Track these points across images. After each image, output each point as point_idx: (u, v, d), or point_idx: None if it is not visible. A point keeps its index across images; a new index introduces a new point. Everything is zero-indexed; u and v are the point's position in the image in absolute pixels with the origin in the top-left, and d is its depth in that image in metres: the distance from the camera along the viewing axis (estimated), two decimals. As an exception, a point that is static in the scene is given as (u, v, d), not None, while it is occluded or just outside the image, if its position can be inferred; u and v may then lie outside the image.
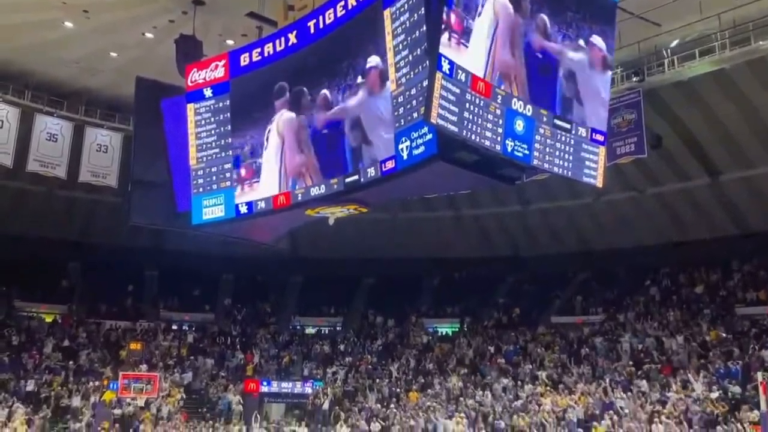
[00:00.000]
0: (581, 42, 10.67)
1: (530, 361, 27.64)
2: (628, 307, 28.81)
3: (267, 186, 13.05)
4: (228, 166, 13.72)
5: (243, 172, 13.51)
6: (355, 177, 11.28)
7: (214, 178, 13.91)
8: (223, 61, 14.10)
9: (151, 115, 14.82)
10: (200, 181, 14.09)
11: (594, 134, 10.81)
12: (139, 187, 14.87)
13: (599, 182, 10.93)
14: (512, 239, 33.27)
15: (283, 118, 12.81)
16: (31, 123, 24.51)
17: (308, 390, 29.83)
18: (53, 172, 24.98)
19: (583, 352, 26.79)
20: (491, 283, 34.29)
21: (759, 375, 17.01)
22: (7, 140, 23.73)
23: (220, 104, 13.97)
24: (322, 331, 35.56)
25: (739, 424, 18.07)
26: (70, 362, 28.60)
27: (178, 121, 14.51)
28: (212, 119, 14.06)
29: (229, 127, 13.78)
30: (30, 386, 26.09)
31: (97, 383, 26.82)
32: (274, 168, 12.98)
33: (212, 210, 13.86)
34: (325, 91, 11.98)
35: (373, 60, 10.96)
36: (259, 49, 13.38)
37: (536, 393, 24.72)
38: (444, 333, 33.79)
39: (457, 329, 33.59)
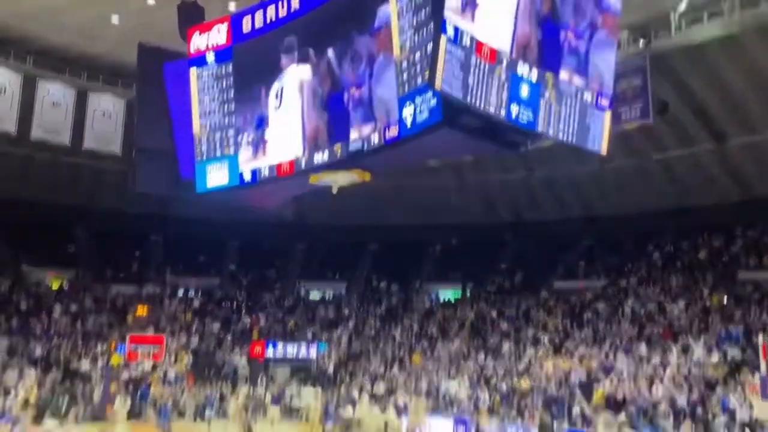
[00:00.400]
0: (589, 5, 10.56)
1: (532, 326, 27.91)
2: (631, 272, 28.97)
3: (271, 153, 13.06)
4: (231, 132, 13.72)
5: (247, 139, 13.51)
6: (359, 144, 11.29)
7: (217, 144, 13.92)
8: (225, 25, 13.99)
9: (154, 82, 14.77)
10: (204, 148, 14.10)
11: (600, 99, 10.77)
12: (143, 154, 14.90)
13: (604, 148, 10.92)
14: (516, 205, 33.30)
15: (287, 84, 12.77)
16: (34, 89, 24.39)
17: (313, 353, 30.25)
18: (57, 139, 24.95)
19: (585, 317, 27.02)
20: (494, 248, 34.44)
21: (760, 338, 17.16)
22: (10, 107, 23.65)
23: (223, 70, 13.91)
24: (327, 296, 35.88)
25: (739, 387, 18.30)
26: (78, 326, 28.99)
27: (180, 87, 14.47)
28: (215, 85, 14.02)
29: (232, 94, 13.75)
30: (39, 350, 26.50)
31: (104, 347, 27.23)
32: (277, 135, 12.98)
33: (216, 177, 13.91)
34: (328, 57, 11.92)
35: (377, 24, 10.87)
36: (261, 12, 13.25)
37: (538, 356, 25.05)
38: (446, 298, 34.09)
39: (459, 294, 33.86)
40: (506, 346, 26.82)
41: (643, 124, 21.27)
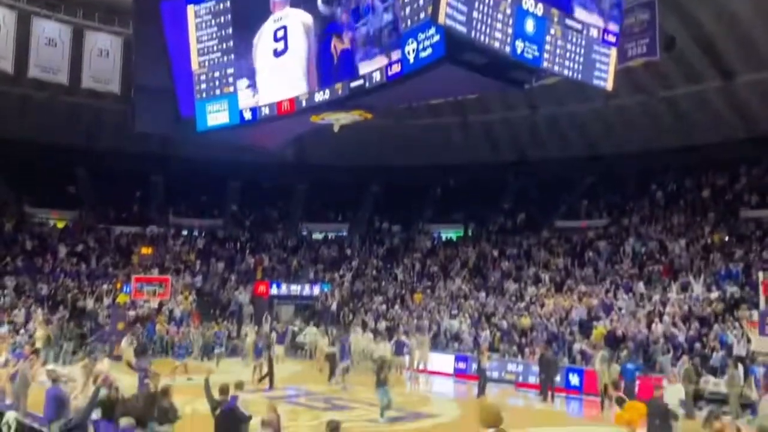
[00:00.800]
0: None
1: (534, 264, 28.13)
2: (633, 211, 28.99)
3: (271, 91, 12.87)
4: (231, 71, 13.47)
5: (246, 77, 13.29)
6: (360, 82, 11.09)
7: (217, 83, 13.70)
8: (222, -40, 13.57)
9: (151, 19, 14.40)
10: (203, 86, 13.88)
11: (606, 35, 10.52)
12: (142, 92, 14.69)
13: (609, 85, 10.73)
14: (519, 144, 33.06)
15: (286, 21, 12.48)
16: (29, 27, 23.89)
17: (316, 292, 30.66)
18: (55, 78, 24.60)
19: (587, 256, 27.20)
20: (497, 188, 34.40)
21: (760, 275, 17.29)
22: (5, 45, 23.23)
23: (221, 6, 13.56)
24: (329, 237, 36.09)
25: (737, 323, 18.57)
26: (83, 266, 29.31)
27: (178, 25, 14.13)
28: (213, 22, 13.69)
29: (231, 30, 13.44)
30: (45, 289, 26.87)
31: (110, 286, 27.59)
32: (277, 73, 12.76)
33: (216, 116, 13.73)
34: (329, -7, 11.61)
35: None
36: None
37: (539, 295, 25.35)
38: (448, 238, 34.26)
39: (461, 234, 34.02)
40: (507, 285, 27.10)
41: (650, 60, 20.86)
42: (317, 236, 36.25)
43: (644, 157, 29.15)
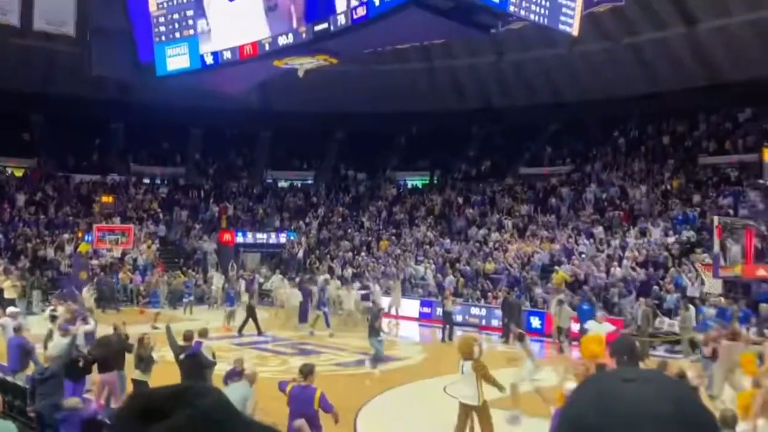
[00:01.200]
0: None
1: (498, 211, 28.47)
2: (596, 157, 29.37)
3: (233, 35, 12.54)
4: (190, 13, 13.04)
5: (206, 19, 12.90)
6: (325, 25, 10.87)
7: (176, 25, 13.26)
8: None
9: (105, -44, 13.83)
10: (162, 29, 13.44)
11: (572, -21, 10.44)
12: (98, 35, 14.16)
13: (575, 30, 10.72)
14: (485, 91, 32.99)
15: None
16: (-27, -36, 22.72)
17: (283, 240, 30.64)
18: (4, 19, 23.53)
19: (550, 202, 27.61)
20: (462, 136, 34.42)
21: (715, 219, 17.80)
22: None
23: (179, -57, 13.04)
24: (295, 185, 35.89)
25: (692, 266, 19.19)
26: (42, 216, 28.72)
27: (134, -37, 13.59)
28: (170, -40, 13.18)
29: (190, -30, 12.96)
30: (3, 239, 26.33)
31: (71, 235, 27.14)
32: (237, 15, 12.41)
33: (176, 60, 13.35)
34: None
35: None
36: None
37: (503, 240, 25.74)
38: (414, 185, 34.38)
39: (426, 182, 34.16)
40: (472, 231, 27.44)
41: (615, 6, 20.80)
42: (283, 184, 36.02)
43: (607, 104, 29.38)
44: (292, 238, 30.61)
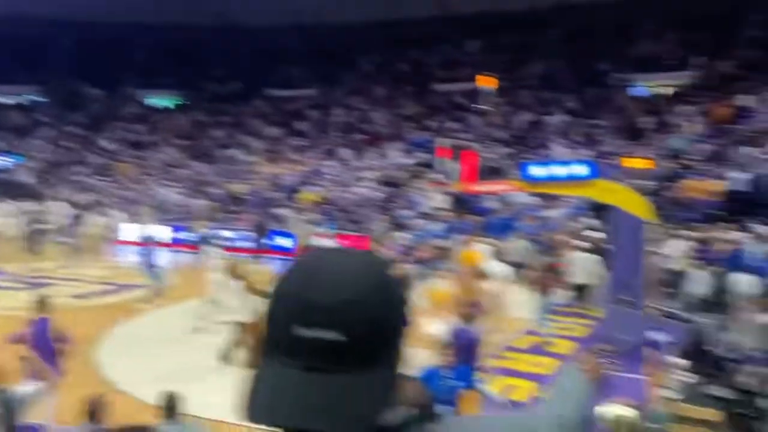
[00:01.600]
0: None
1: (247, 133, 28.34)
2: (342, 82, 30.38)
3: None
4: None
5: None
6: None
7: None
8: None
9: None
10: None
11: None
12: None
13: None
14: (229, 9, 31.79)
15: None
16: None
17: (8, 164, 27.37)
18: None
19: (298, 125, 28.15)
20: (208, 54, 33.14)
21: (440, 141, 19.58)
22: None
23: None
24: (18, 101, 31.86)
25: (424, 184, 21.16)
26: None
27: None
28: None
29: None
30: None
31: None
32: None
33: None
34: None
35: None
36: None
37: (253, 163, 25.83)
38: (159, 105, 32.60)
39: (172, 101, 32.59)
40: (221, 153, 27.06)
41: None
42: (4, 100, 31.77)
43: (353, 30, 30.26)
44: (18, 161, 27.45)
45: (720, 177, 17.26)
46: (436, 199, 19.11)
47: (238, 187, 23.88)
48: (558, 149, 21.12)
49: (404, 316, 0.93)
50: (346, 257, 0.94)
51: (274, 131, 28.04)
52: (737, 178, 17.22)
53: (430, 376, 5.39)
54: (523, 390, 7.44)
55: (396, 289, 0.93)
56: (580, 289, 11.67)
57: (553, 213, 17.17)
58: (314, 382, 0.85)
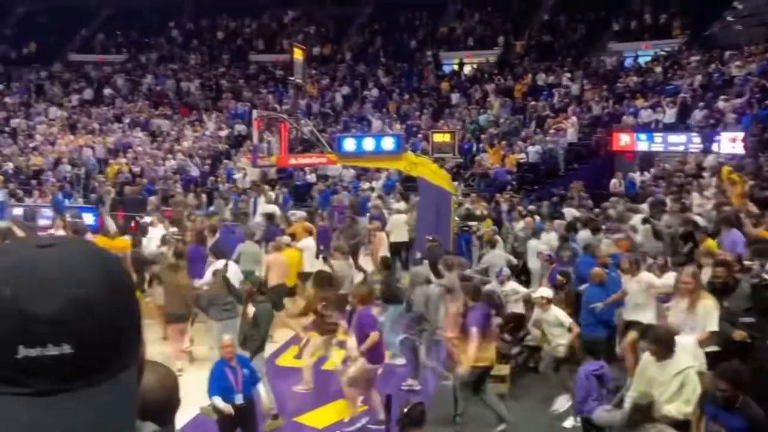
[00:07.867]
0: None
1: (46, 100, 25.94)
2: (151, 47, 28.77)
3: None
4: None
5: None
6: None
7: None
8: None
9: None
10: None
11: None
12: None
13: None
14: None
15: None
16: None
17: None
18: None
19: (104, 92, 26.26)
20: (-1, 12, 29.78)
21: (254, 113, 19.21)
22: None
23: None
24: None
25: (240, 157, 20.73)
26: None
27: None
28: None
29: None
30: None
31: None
32: None
33: None
34: None
35: None
36: None
37: (52, 133, 23.72)
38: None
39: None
40: (17, 123, 24.52)
41: None
42: None
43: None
44: None
45: (517, 151, 18.85)
46: (251, 173, 18.82)
47: (36, 160, 21.82)
48: (374, 123, 21.70)
49: (138, 310, 0.81)
50: (68, 249, 0.78)
51: (77, 98, 25.90)
52: (531, 152, 18.92)
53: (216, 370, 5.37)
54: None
55: (125, 280, 0.81)
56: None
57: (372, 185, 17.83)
58: (49, 407, 0.70)
